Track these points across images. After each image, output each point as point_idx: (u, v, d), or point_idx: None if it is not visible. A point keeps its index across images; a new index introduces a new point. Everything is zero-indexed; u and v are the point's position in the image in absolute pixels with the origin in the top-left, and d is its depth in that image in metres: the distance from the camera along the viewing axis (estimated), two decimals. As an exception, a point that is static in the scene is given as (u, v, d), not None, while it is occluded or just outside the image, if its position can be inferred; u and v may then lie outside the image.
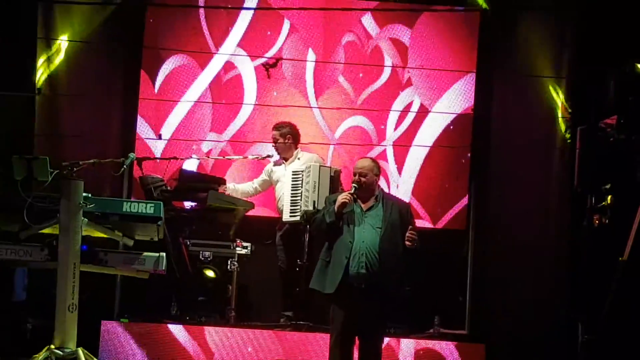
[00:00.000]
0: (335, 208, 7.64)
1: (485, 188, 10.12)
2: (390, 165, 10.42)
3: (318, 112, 10.46)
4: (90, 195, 7.63)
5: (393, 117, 10.50)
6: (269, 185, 9.84)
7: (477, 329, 9.51)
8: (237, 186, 9.84)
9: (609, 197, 8.86)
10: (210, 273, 9.51)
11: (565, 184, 9.59)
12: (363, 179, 7.74)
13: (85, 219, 7.55)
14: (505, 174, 10.05)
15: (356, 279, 7.57)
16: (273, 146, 9.71)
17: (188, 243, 9.46)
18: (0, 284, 9.36)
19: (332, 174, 9.21)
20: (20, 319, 9.14)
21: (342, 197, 7.65)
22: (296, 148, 9.70)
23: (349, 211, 7.68)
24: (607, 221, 8.94)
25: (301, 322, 9.17)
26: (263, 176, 9.86)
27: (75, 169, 7.59)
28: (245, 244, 9.49)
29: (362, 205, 7.75)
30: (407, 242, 7.56)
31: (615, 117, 8.68)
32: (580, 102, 9.59)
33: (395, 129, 10.49)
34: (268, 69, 10.08)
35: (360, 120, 10.51)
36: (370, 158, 8.07)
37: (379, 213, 7.70)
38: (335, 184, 9.18)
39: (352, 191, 7.69)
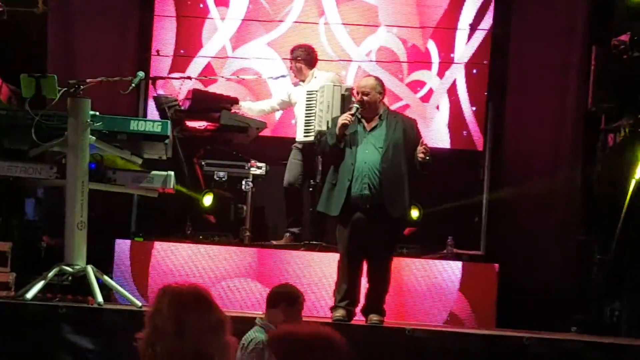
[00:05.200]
0: (337, 130, 7.58)
1: (502, 108, 9.99)
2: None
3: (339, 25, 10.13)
4: (97, 113, 7.66)
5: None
6: (288, 106, 9.75)
7: (491, 249, 9.48)
8: (252, 104, 9.71)
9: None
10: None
11: (580, 105, 9.47)
12: (365, 98, 7.66)
13: (93, 137, 7.59)
14: (522, 95, 9.89)
15: (360, 201, 7.56)
16: (289, 68, 9.64)
17: (202, 163, 9.47)
18: (14, 203, 9.42)
19: (344, 92, 8.95)
20: (36, 237, 9.23)
21: (342, 119, 7.59)
22: (310, 69, 9.55)
23: (352, 132, 7.62)
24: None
25: (314, 242, 9.14)
26: (283, 97, 9.74)
27: (82, 86, 7.59)
28: (259, 164, 9.47)
29: (366, 125, 7.68)
30: (420, 156, 7.47)
31: (629, 34, 8.54)
32: (595, 19, 9.43)
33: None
34: None
35: (387, 39, 10.17)
36: (374, 76, 7.96)
37: (381, 132, 7.64)
38: (346, 102, 9.02)
39: (353, 111, 7.61)
